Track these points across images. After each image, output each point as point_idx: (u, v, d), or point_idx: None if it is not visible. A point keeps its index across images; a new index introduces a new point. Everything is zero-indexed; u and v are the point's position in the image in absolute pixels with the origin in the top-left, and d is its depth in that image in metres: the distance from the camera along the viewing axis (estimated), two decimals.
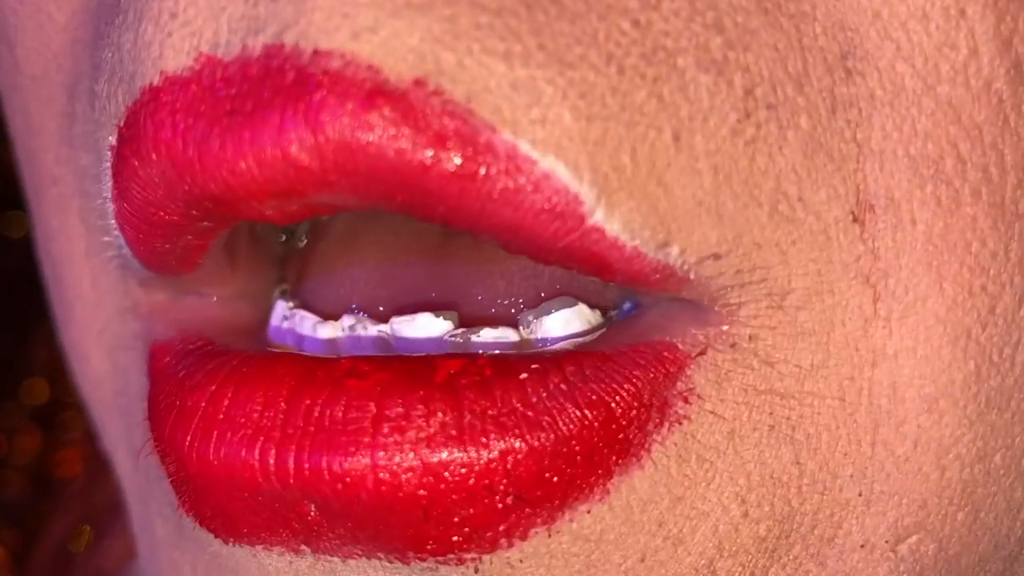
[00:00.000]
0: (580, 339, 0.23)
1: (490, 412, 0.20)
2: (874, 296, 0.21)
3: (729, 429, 0.21)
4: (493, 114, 0.19)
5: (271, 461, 0.21)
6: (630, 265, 0.20)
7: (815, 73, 0.20)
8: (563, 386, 0.21)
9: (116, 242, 0.24)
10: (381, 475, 0.20)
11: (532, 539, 0.21)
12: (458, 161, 0.19)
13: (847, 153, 0.20)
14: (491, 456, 0.20)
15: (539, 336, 0.23)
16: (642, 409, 0.21)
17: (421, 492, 0.20)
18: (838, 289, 0.21)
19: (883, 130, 0.21)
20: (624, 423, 0.20)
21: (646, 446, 0.21)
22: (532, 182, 0.19)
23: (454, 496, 0.20)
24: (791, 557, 0.22)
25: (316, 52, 0.19)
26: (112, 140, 0.22)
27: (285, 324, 0.25)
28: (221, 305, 0.25)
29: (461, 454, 0.20)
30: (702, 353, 0.21)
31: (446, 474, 0.20)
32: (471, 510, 0.20)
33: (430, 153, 0.19)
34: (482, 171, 0.19)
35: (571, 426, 0.20)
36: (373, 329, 0.24)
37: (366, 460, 0.20)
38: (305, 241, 0.26)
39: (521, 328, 0.23)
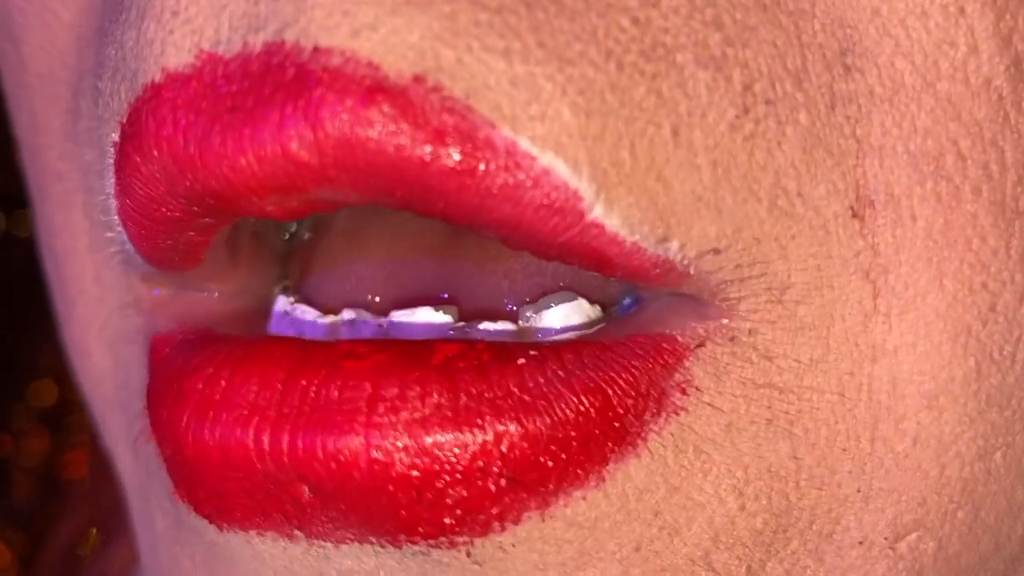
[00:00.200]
0: (579, 332, 0.23)
1: (486, 395, 0.20)
2: (874, 291, 0.21)
3: (727, 422, 0.21)
4: (492, 110, 0.19)
5: (265, 441, 0.21)
6: (630, 260, 0.20)
7: (814, 69, 0.20)
8: (560, 373, 0.21)
9: (119, 238, 0.24)
10: (374, 455, 0.20)
11: (525, 523, 0.21)
12: (457, 157, 0.19)
13: (846, 149, 0.21)
14: (485, 438, 0.20)
15: (538, 327, 0.23)
16: (639, 399, 0.21)
17: (414, 473, 0.20)
18: (838, 284, 0.21)
19: (882, 126, 0.21)
20: (621, 411, 0.21)
21: (643, 435, 0.21)
22: (531, 178, 0.19)
23: (447, 477, 0.20)
24: (788, 552, 0.22)
25: (316, 49, 0.19)
26: (115, 137, 0.22)
27: (286, 318, 0.25)
28: (223, 301, 0.25)
29: (455, 435, 0.20)
30: (701, 345, 0.21)
31: (440, 455, 0.20)
32: (464, 492, 0.20)
33: (429, 149, 0.19)
34: (481, 167, 0.19)
35: (567, 412, 0.20)
36: (373, 323, 0.24)
37: (360, 440, 0.20)
38: (308, 237, 0.26)
39: (520, 322, 0.23)
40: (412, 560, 0.21)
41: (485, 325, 0.23)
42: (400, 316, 0.24)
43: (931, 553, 0.22)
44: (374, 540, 0.21)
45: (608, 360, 0.21)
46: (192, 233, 0.22)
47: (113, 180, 0.22)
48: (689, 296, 0.21)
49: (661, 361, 0.21)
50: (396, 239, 0.25)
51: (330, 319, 0.24)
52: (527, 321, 0.23)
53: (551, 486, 0.20)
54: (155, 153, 0.21)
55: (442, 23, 0.19)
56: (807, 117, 0.20)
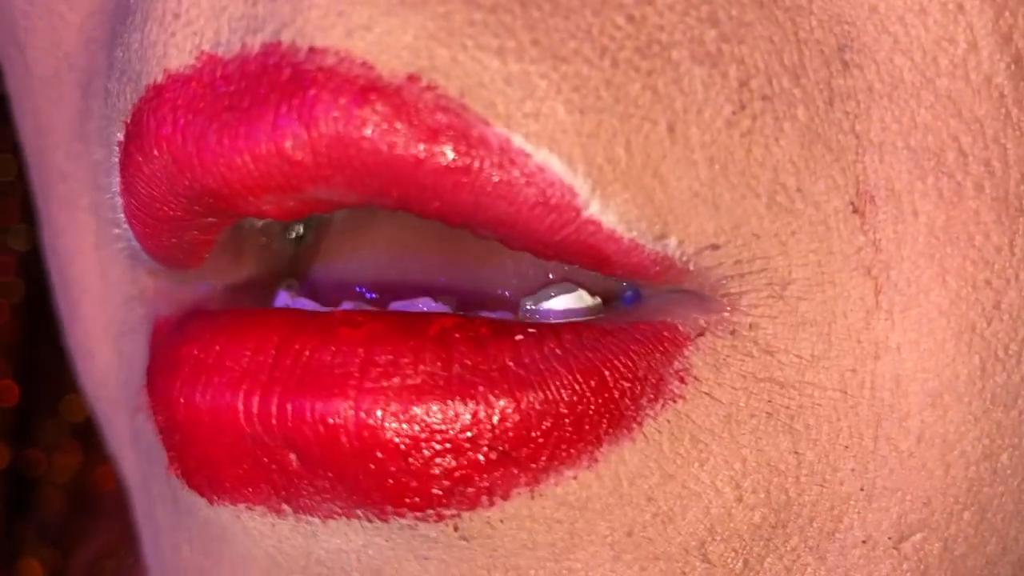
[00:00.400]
0: (580, 317, 0.23)
1: (480, 367, 0.20)
2: (876, 288, 0.21)
3: (725, 413, 0.21)
4: (486, 108, 0.19)
5: (255, 404, 0.21)
6: (629, 257, 0.20)
7: (811, 65, 0.20)
8: (558, 351, 0.21)
9: (126, 234, 0.24)
10: (364, 420, 0.20)
11: (514, 499, 0.21)
12: (451, 155, 0.19)
13: (846, 144, 0.20)
14: (477, 410, 0.20)
15: (538, 312, 0.23)
16: (636, 383, 0.21)
17: (403, 441, 0.20)
18: (839, 280, 0.21)
19: (882, 122, 0.20)
20: (617, 394, 0.20)
21: (638, 419, 0.21)
22: (525, 175, 0.20)
23: (436, 446, 0.20)
24: (788, 548, 0.21)
25: (312, 49, 0.20)
26: (120, 136, 0.22)
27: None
28: (226, 294, 0.25)
29: (447, 405, 0.20)
30: (701, 335, 0.21)
31: (430, 424, 0.20)
32: (452, 462, 0.20)
33: (423, 147, 0.19)
34: (476, 165, 0.19)
35: (562, 391, 0.20)
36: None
37: (350, 404, 0.20)
38: (312, 238, 0.26)
39: (520, 314, 0.23)
40: (399, 536, 0.21)
41: (484, 314, 0.23)
42: (398, 306, 0.24)
43: (936, 554, 0.22)
44: (361, 514, 0.21)
45: (607, 343, 0.21)
46: (195, 232, 0.23)
47: (119, 179, 0.23)
48: (691, 292, 0.21)
49: (661, 348, 0.21)
50: (395, 238, 0.25)
51: (329, 310, 0.24)
52: (526, 314, 0.23)
53: (542, 463, 0.20)
54: (155, 152, 0.21)
55: (437, 23, 0.19)
56: (805, 113, 0.20)
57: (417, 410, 0.20)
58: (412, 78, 0.19)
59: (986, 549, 0.22)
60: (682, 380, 0.21)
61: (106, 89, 0.24)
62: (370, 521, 0.21)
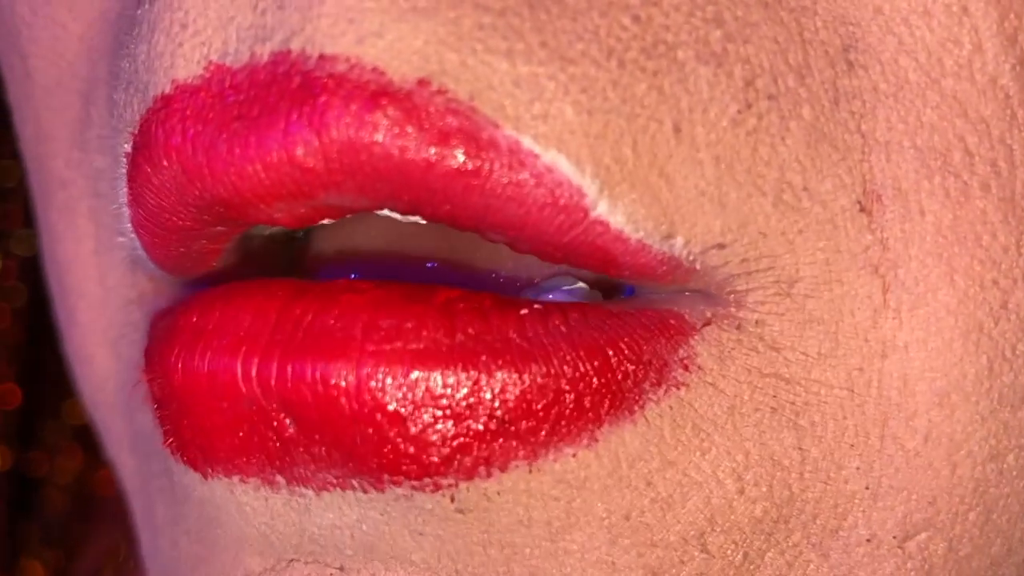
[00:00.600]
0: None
1: (484, 337, 0.20)
2: (883, 286, 0.21)
3: (729, 405, 0.21)
4: (496, 111, 0.20)
5: (254, 367, 0.21)
6: (636, 258, 0.20)
7: (816, 65, 0.20)
8: (563, 328, 0.21)
9: (129, 243, 0.24)
10: (364, 383, 0.20)
11: (512, 472, 0.21)
12: (461, 158, 0.20)
13: (852, 144, 0.21)
14: (478, 378, 0.20)
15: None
16: (640, 366, 0.21)
17: (403, 406, 0.20)
18: (847, 279, 0.21)
19: (888, 121, 0.21)
20: (620, 376, 0.20)
21: (640, 403, 0.21)
22: (534, 176, 0.20)
23: (436, 412, 0.20)
24: (790, 544, 0.21)
25: (322, 57, 0.20)
26: (127, 148, 0.22)
27: None
28: None
29: (448, 372, 0.20)
30: (707, 324, 0.21)
31: (430, 390, 0.20)
32: (452, 429, 0.20)
33: (434, 151, 0.19)
34: (485, 167, 0.20)
35: (565, 366, 0.20)
36: None
37: (351, 368, 0.20)
38: (305, 232, 0.26)
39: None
40: (395, 508, 0.21)
41: None
42: None
43: (941, 554, 0.22)
44: (356, 484, 0.21)
45: (612, 325, 0.21)
46: (204, 241, 0.23)
47: (125, 190, 0.23)
48: (697, 291, 0.21)
49: (666, 334, 0.21)
50: (390, 228, 0.25)
51: (332, 280, 0.24)
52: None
53: (541, 437, 0.20)
54: (164, 163, 0.21)
55: (446, 28, 0.20)
56: (811, 112, 0.20)
57: (418, 375, 0.20)
58: (422, 82, 0.19)
59: (991, 550, 0.22)
60: (686, 368, 0.21)
61: (112, 100, 0.24)
62: (365, 492, 0.21)
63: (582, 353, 0.20)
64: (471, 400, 0.20)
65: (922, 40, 0.20)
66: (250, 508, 0.22)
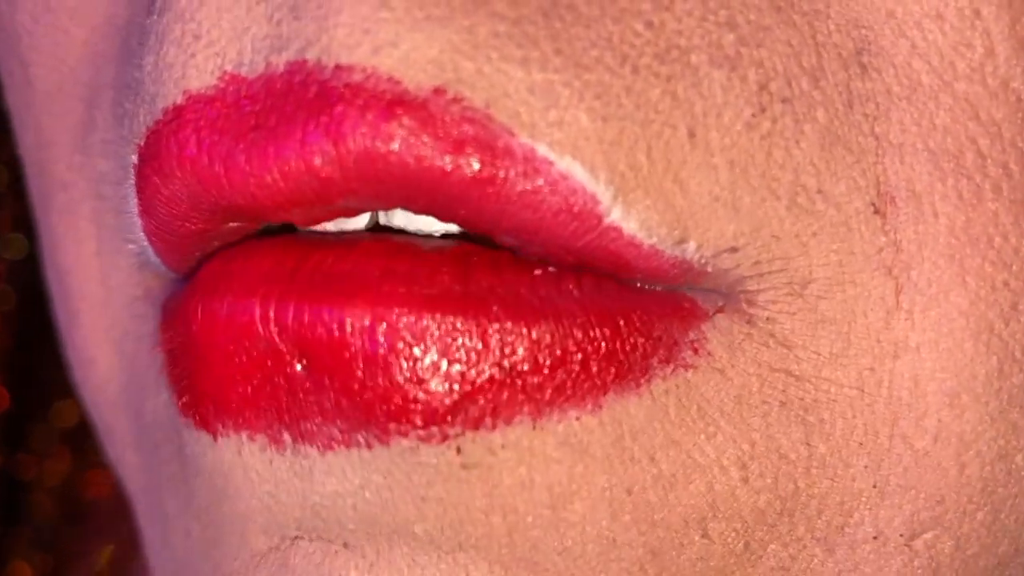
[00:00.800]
0: None
1: (497, 289, 0.20)
2: (896, 288, 0.21)
3: (737, 394, 0.21)
4: (511, 118, 0.20)
5: (272, 309, 0.21)
6: (648, 263, 0.20)
7: (830, 68, 0.20)
8: (576, 292, 0.21)
9: (139, 249, 0.24)
10: (378, 325, 0.20)
11: (516, 426, 0.21)
12: (477, 166, 0.20)
13: (866, 146, 0.21)
14: (487, 327, 0.20)
15: None
16: (649, 340, 0.21)
17: (414, 350, 0.20)
18: (860, 280, 0.21)
19: (901, 124, 0.21)
20: (628, 347, 0.21)
21: (647, 376, 0.21)
22: (549, 183, 0.20)
23: (445, 359, 0.20)
24: (794, 537, 0.22)
25: (338, 67, 0.20)
26: (134, 159, 0.23)
27: None
28: None
29: (459, 320, 0.20)
30: (720, 311, 0.21)
31: (442, 336, 0.20)
32: (459, 376, 0.20)
33: (449, 159, 0.20)
34: (500, 175, 0.20)
35: (574, 328, 0.20)
36: None
37: (365, 310, 0.20)
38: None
39: None
40: (399, 468, 0.21)
41: None
42: None
43: (948, 553, 0.22)
44: (361, 440, 0.21)
45: (626, 297, 0.21)
46: (217, 243, 0.23)
47: (135, 201, 0.23)
48: (709, 291, 0.21)
49: (679, 315, 0.21)
50: None
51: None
52: None
53: (547, 395, 0.20)
54: (178, 174, 0.21)
55: (462, 36, 0.20)
56: (825, 115, 0.20)
57: (430, 320, 0.20)
58: (438, 91, 0.20)
59: (998, 549, 0.23)
60: (695, 351, 0.21)
61: (118, 105, 0.24)
62: (370, 448, 0.21)
63: (592, 318, 0.21)
64: (479, 347, 0.20)
65: (935, 43, 0.21)
66: (255, 473, 0.22)
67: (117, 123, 0.24)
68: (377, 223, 0.22)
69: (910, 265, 0.21)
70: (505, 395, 0.20)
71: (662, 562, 0.21)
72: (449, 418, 0.20)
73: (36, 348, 0.43)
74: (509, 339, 0.20)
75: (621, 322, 0.21)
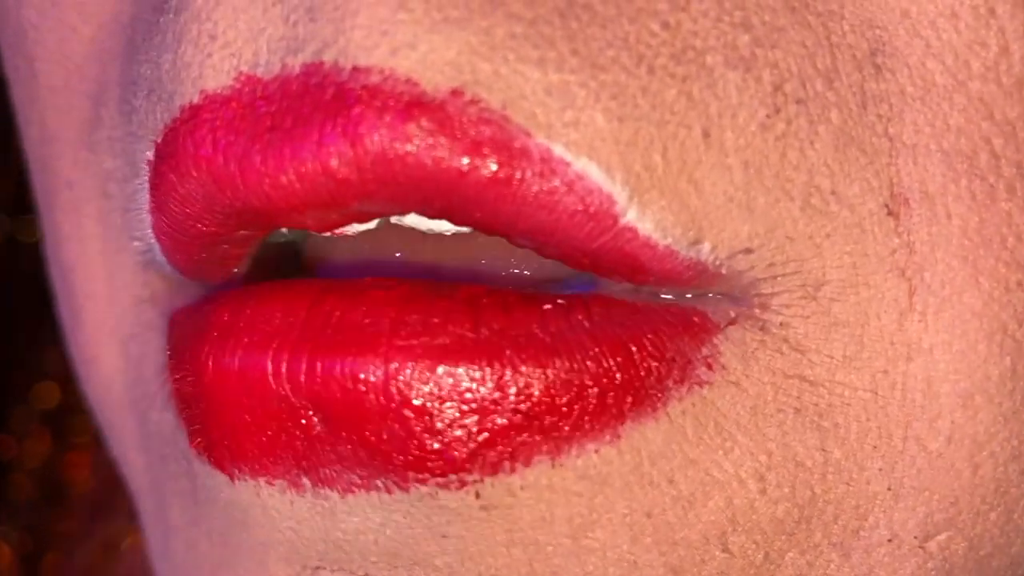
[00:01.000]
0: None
1: (508, 332, 0.20)
2: (910, 289, 0.21)
3: (752, 405, 0.21)
4: (528, 119, 0.20)
5: (284, 363, 0.21)
6: (662, 264, 0.20)
7: (844, 69, 0.20)
8: (586, 323, 0.21)
9: (145, 247, 0.24)
10: (392, 378, 0.20)
11: (535, 466, 0.21)
12: (494, 167, 0.20)
13: (879, 147, 0.21)
14: (503, 373, 0.20)
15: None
16: (663, 362, 0.21)
17: (429, 401, 0.20)
18: (873, 282, 0.21)
19: (915, 125, 0.21)
20: (643, 373, 0.20)
21: (663, 400, 0.21)
22: (566, 183, 0.20)
23: (462, 407, 0.20)
24: (811, 544, 0.22)
25: (355, 68, 0.20)
26: (150, 155, 0.22)
27: None
28: None
29: (473, 367, 0.20)
30: (732, 323, 0.21)
31: (456, 385, 0.20)
32: (476, 424, 0.20)
33: (466, 160, 0.20)
34: (517, 175, 0.20)
35: (588, 361, 0.20)
36: None
37: (379, 363, 0.20)
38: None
39: None
40: (419, 509, 0.21)
41: None
42: None
43: (962, 554, 0.22)
44: (381, 484, 0.21)
45: (636, 320, 0.21)
46: (227, 246, 0.23)
47: (147, 197, 0.23)
48: (721, 293, 0.21)
49: (690, 332, 0.21)
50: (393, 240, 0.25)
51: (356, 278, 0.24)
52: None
53: (565, 432, 0.20)
54: (193, 173, 0.21)
55: (479, 37, 0.20)
56: (839, 116, 0.20)
57: (444, 370, 0.20)
58: (456, 92, 0.19)
59: (1011, 550, 0.23)
60: (709, 367, 0.21)
61: (125, 102, 0.24)
62: (389, 492, 0.21)
63: (605, 348, 0.20)
64: (496, 395, 0.20)
65: (949, 43, 0.20)
66: (276, 512, 0.22)
67: (124, 120, 0.24)
68: (388, 221, 0.22)
69: (923, 266, 0.21)
70: (523, 438, 0.20)
71: None
72: (467, 466, 0.20)
73: (16, 331, 0.43)
74: (524, 382, 0.20)
75: (634, 348, 0.21)
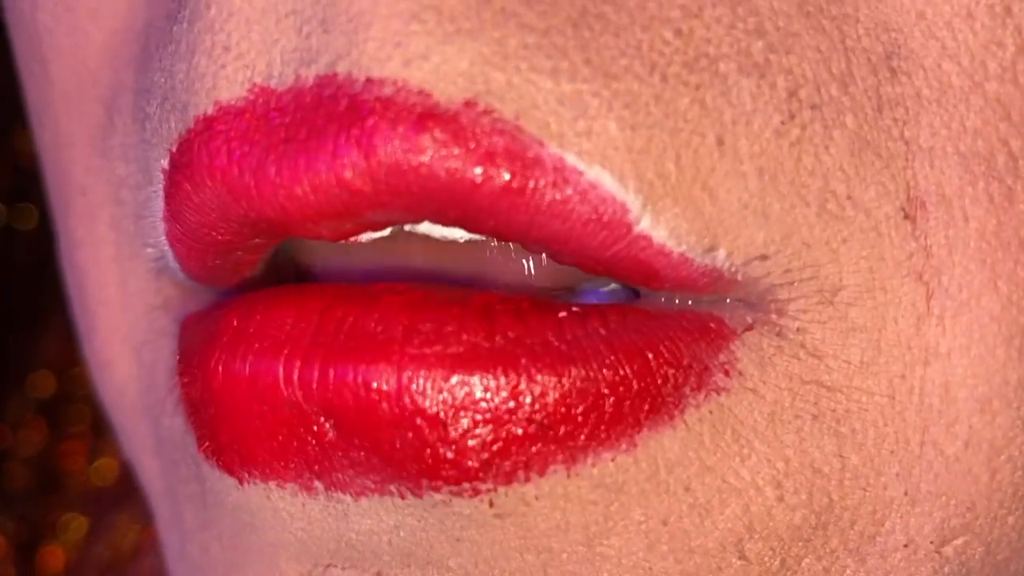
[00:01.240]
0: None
1: (524, 340, 0.20)
2: (927, 293, 0.21)
3: (770, 411, 0.21)
4: (541, 129, 0.19)
5: (296, 370, 0.21)
6: (677, 271, 0.20)
7: (859, 73, 0.20)
8: (602, 331, 0.20)
9: (158, 253, 0.24)
10: (405, 386, 0.20)
11: (550, 476, 0.20)
12: (507, 177, 0.19)
13: (895, 151, 0.20)
14: (518, 382, 0.20)
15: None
16: (680, 370, 0.20)
17: (443, 410, 0.20)
18: (890, 286, 0.21)
19: (931, 127, 0.20)
20: (659, 380, 0.20)
21: (680, 407, 0.20)
22: (579, 192, 0.20)
23: (476, 416, 0.20)
24: (828, 550, 0.21)
25: (369, 80, 0.20)
26: (164, 164, 0.22)
27: None
28: None
29: (488, 376, 0.20)
30: (748, 330, 0.21)
31: (470, 394, 0.20)
32: (491, 434, 0.20)
33: (480, 171, 0.19)
34: (530, 185, 0.20)
35: (604, 369, 0.20)
36: None
37: (392, 371, 0.20)
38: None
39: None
40: (432, 514, 0.21)
41: None
42: None
43: (979, 558, 0.22)
44: (394, 490, 0.21)
45: (652, 327, 0.21)
46: (240, 253, 0.23)
47: (162, 205, 0.23)
48: (738, 300, 0.21)
49: (707, 338, 0.21)
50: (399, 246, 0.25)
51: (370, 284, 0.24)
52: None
53: (580, 441, 0.20)
54: (208, 183, 0.21)
55: (492, 48, 0.19)
56: (854, 120, 0.20)
57: (458, 379, 0.20)
58: (469, 103, 0.19)
59: None
60: (727, 373, 0.21)
61: (139, 108, 0.23)
62: (403, 498, 0.21)
63: (621, 356, 0.20)
64: (510, 404, 0.20)
65: (965, 43, 0.20)
66: (287, 513, 0.22)
67: (137, 127, 0.24)
68: (401, 228, 0.22)
69: (941, 270, 0.21)
70: (538, 448, 0.20)
71: None
72: (481, 475, 0.20)
73: (12, 320, 0.43)
74: (539, 391, 0.20)
75: (650, 355, 0.20)
